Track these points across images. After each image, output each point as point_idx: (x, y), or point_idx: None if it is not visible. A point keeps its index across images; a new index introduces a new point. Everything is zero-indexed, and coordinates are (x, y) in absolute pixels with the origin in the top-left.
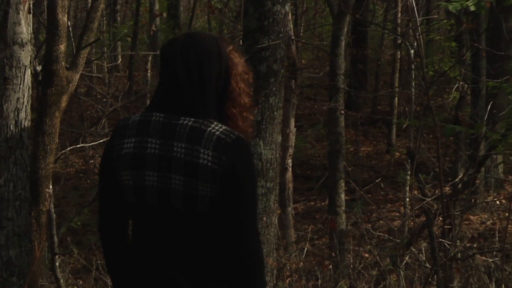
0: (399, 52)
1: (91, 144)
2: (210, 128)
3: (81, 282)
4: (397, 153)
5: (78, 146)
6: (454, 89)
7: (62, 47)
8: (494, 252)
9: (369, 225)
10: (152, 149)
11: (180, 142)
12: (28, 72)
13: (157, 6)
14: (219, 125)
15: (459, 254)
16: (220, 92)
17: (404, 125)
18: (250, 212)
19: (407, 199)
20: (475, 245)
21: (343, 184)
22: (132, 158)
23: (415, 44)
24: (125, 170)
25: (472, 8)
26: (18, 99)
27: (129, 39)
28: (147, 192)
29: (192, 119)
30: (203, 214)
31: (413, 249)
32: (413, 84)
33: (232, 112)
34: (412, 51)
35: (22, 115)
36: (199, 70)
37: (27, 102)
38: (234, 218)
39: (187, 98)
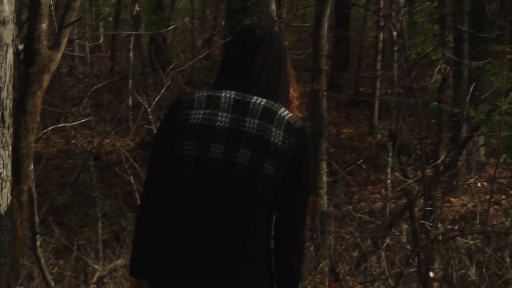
0: (381, 34)
1: (73, 124)
2: (280, 112)
3: (62, 262)
4: (379, 135)
5: (60, 126)
6: (436, 71)
7: (44, 26)
8: (475, 234)
9: (351, 206)
10: (222, 123)
11: (253, 118)
12: (11, 50)
13: None
14: (287, 111)
15: (440, 236)
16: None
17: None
18: (305, 198)
19: (389, 181)
20: (456, 227)
21: (325, 166)
22: (199, 129)
23: (398, 26)
24: (189, 140)
25: None
26: (0, 77)
27: (111, 19)
28: (211, 163)
29: (264, 100)
30: (262, 192)
31: (394, 231)
32: (396, 66)
33: (291, 98)
34: (394, 33)
35: (4, 94)
36: (279, 57)
37: (9, 81)
38: (291, 202)
39: (264, 82)
